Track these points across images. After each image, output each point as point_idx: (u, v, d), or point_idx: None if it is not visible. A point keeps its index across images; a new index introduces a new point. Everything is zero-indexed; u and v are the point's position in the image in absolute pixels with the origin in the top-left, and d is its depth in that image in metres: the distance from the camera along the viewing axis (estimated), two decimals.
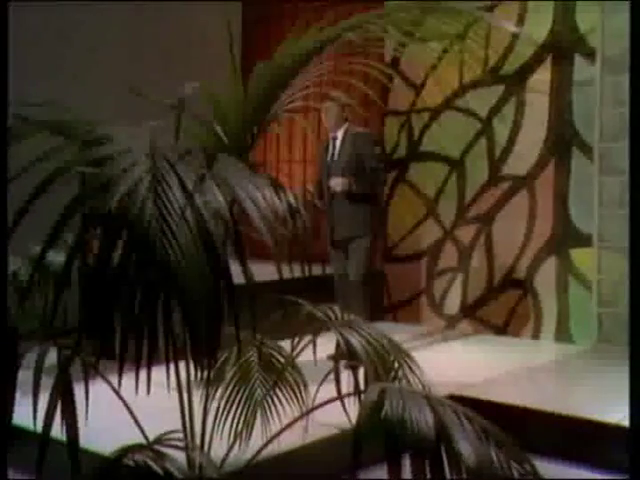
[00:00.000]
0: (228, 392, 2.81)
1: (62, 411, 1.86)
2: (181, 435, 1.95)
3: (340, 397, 2.10)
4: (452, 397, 3.95)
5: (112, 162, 1.31)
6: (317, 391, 2.17)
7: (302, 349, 2.50)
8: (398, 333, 4.93)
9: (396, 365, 2.63)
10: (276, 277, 4.19)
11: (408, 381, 2.61)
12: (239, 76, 1.86)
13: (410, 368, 2.66)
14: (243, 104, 1.87)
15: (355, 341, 2.47)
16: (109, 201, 1.21)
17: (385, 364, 2.58)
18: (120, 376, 1.39)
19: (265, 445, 2.35)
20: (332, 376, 2.70)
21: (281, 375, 2.63)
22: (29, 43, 5.65)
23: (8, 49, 2.12)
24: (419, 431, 1.67)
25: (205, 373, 1.42)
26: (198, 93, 1.89)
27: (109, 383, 2.11)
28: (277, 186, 1.43)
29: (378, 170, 5.09)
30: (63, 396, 1.85)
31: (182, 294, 1.22)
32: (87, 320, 1.29)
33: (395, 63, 6.34)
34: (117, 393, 2.12)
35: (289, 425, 2.23)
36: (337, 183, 4.96)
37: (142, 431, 2.11)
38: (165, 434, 1.91)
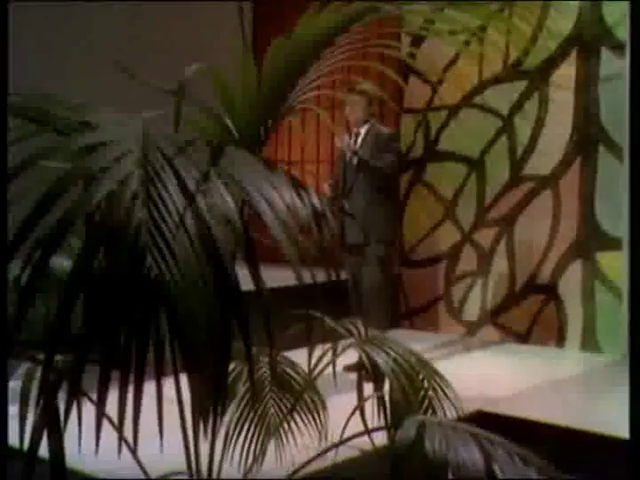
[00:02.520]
0: (238, 413, 2.56)
1: (48, 440, 1.63)
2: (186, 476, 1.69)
3: (368, 431, 1.84)
4: (480, 414, 3.71)
5: (93, 154, 1.04)
6: (345, 426, 1.89)
7: (321, 371, 2.24)
8: (416, 342, 4.67)
9: (425, 384, 2.41)
10: (288, 283, 3.93)
11: (439, 401, 2.40)
12: (251, 59, 1.59)
13: (441, 388, 2.43)
14: (256, 91, 1.60)
15: (381, 361, 2.23)
16: (87, 203, 0.95)
17: (413, 384, 2.36)
18: (101, 397, 1.11)
19: (292, 475, 2.10)
20: (350, 386, 2.48)
21: (298, 397, 2.37)
22: (28, 36, 5.42)
23: (8, 48, 1.94)
24: (467, 474, 1.42)
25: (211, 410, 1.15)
26: (203, 78, 1.62)
27: (94, 404, 1.85)
28: (298, 185, 1.16)
29: (389, 166, 4.76)
30: (49, 425, 1.60)
31: (179, 324, 0.95)
32: (59, 333, 1.02)
33: (411, 58, 6.08)
34: (104, 415, 1.86)
35: (320, 455, 1.96)
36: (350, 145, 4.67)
37: (141, 467, 1.86)
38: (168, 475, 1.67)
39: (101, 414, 1.14)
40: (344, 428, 1.84)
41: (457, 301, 6.13)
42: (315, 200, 1.17)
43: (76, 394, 1.12)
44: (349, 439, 1.83)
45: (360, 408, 2.19)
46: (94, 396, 1.09)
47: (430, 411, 2.39)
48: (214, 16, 6.42)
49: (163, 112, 1.40)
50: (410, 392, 2.30)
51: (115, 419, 1.20)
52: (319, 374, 2.26)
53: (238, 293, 1.00)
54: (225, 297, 1.00)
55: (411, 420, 1.57)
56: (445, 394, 2.43)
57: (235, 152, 1.22)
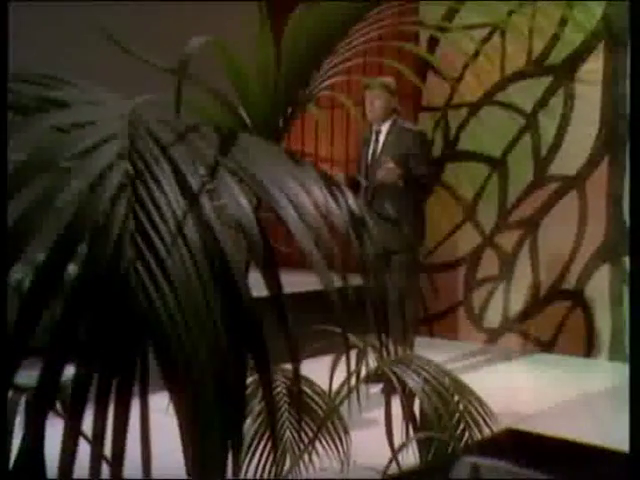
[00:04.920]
0: (252, 433, 2.32)
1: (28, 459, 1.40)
2: None
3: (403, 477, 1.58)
4: (510, 432, 3.46)
5: (62, 138, 0.78)
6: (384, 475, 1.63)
7: (344, 398, 1.99)
8: (436, 351, 4.42)
9: (461, 407, 2.19)
10: (304, 289, 3.67)
11: (477, 426, 2.18)
12: (268, 32, 1.33)
13: (476, 410, 2.21)
14: (274, 71, 1.35)
15: (413, 383, 1.98)
16: (50, 204, 0.68)
17: (447, 407, 2.13)
18: (76, 413, 0.84)
19: None
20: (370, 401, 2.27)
21: (321, 425, 2.12)
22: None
23: (8, 48, 1.73)
24: None
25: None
26: (209, 61, 1.37)
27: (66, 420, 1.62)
28: (332, 184, 0.90)
29: (428, 178, 4.46)
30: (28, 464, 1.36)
31: (175, 370, 0.69)
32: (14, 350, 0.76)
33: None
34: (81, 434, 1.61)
35: None
36: (385, 171, 4.21)
37: None
38: None
39: (77, 432, 0.88)
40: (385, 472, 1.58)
41: (478, 307, 5.87)
42: (352, 202, 0.91)
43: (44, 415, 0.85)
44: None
45: (390, 439, 1.95)
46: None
47: (467, 434, 2.19)
48: (224, 15, 6.18)
49: (162, 96, 1.15)
50: (444, 416, 2.07)
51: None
52: (343, 401, 2.00)
53: (256, 327, 0.74)
54: (239, 331, 0.73)
55: (462, 463, 1.32)
56: (482, 418, 2.21)
57: (251, 140, 0.96)
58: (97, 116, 0.85)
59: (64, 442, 0.79)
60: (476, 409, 2.17)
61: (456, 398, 2.17)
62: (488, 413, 2.20)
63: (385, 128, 4.42)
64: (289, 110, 1.48)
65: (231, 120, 1.35)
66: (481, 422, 2.15)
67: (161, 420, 1.24)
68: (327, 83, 1.52)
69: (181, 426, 0.69)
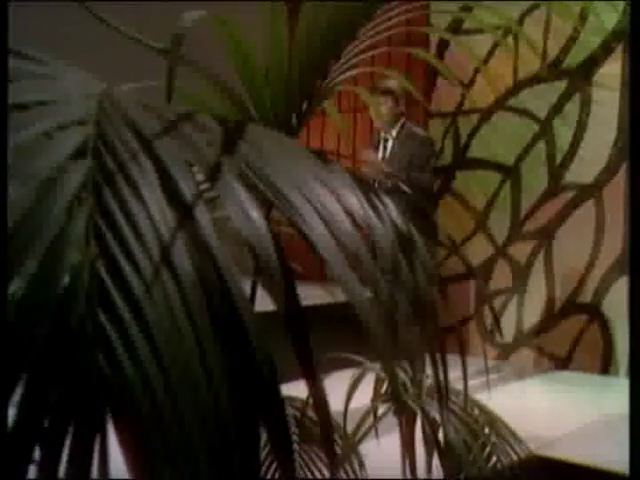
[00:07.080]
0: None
1: None
2: None
3: None
4: (537, 459, 3.22)
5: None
6: None
7: (363, 436, 1.77)
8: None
9: (493, 439, 1.99)
10: (319, 301, 3.45)
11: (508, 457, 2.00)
12: (282, 15, 1.12)
13: (509, 443, 2.01)
14: (287, 61, 1.13)
15: (438, 416, 1.77)
16: None
17: (477, 439, 1.93)
18: None
19: None
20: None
21: (339, 461, 1.90)
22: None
23: (8, 48, 1.53)
24: None
25: None
26: (213, 46, 1.16)
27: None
28: (370, 191, 0.67)
29: (427, 185, 4.25)
30: None
31: (154, 464, 0.46)
32: None
33: (439, 58, 5.63)
34: None
35: None
36: (368, 165, 4.03)
37: None
38: None
39: None
40: None
41: (490, 321, 5.64)
42: (395, 214, 0.69)
43: None
44: None
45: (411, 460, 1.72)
46: None
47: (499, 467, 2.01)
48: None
49: (151, 83, 0.93)
50: (474, 451, 1.86)
51: None
52: (362, 439, 1.78)
53: (274, 396, 0.51)
54: (249, 402, 0.51)
55: None
56: (514, 450, 2.00)
57: (263, 133, 0.73)
58: (51, 95, 0.62)
59: None
60: (507, 441, 1.96)
61: (486, 430, 1.96)
62: (520, 444, 2.00)
63: (393, 134, 4.22)
64: (304, 105, 1.26)
65: (236, 114, 1.12)
66: (512, 454, 1.95)
67: None
68: (350, 74, 1.30)
69: None
